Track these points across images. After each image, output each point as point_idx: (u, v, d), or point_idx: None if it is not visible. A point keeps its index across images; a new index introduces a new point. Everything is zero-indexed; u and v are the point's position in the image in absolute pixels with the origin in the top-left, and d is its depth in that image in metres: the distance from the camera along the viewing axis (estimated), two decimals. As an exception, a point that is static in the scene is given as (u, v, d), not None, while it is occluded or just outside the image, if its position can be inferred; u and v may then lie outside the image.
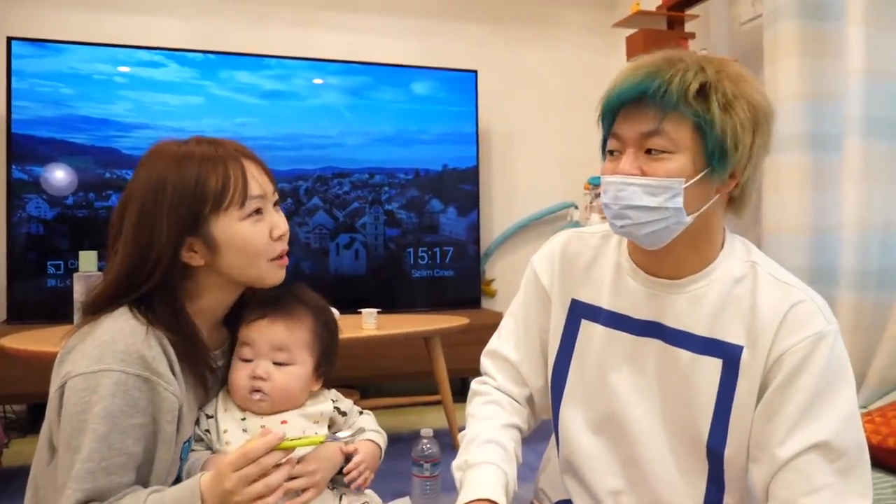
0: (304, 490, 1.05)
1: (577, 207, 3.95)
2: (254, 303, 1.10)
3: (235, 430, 1.05)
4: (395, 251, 3.63)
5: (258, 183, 1.02)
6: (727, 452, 0.94)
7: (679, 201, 0.90)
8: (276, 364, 1.07)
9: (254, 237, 1.00)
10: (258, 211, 1.01)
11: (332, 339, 1.15)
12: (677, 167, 0.90)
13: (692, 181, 0.90)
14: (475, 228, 3.78)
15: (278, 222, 1.04)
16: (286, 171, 3.44)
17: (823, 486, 0.85)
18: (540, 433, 1.19)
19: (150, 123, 3.25)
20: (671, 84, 0.89)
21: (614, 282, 1.04)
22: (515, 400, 1.12)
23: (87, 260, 1.98)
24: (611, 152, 0.97)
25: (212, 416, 1.07)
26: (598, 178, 4.28)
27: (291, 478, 1.04)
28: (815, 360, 0.89)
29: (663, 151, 0.91)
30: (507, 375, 1.13)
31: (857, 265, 2.27)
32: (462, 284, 3.75)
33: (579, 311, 1.07)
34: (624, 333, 1.02)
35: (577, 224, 3.82)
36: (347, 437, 1.09)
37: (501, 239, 3.99)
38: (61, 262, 3.10)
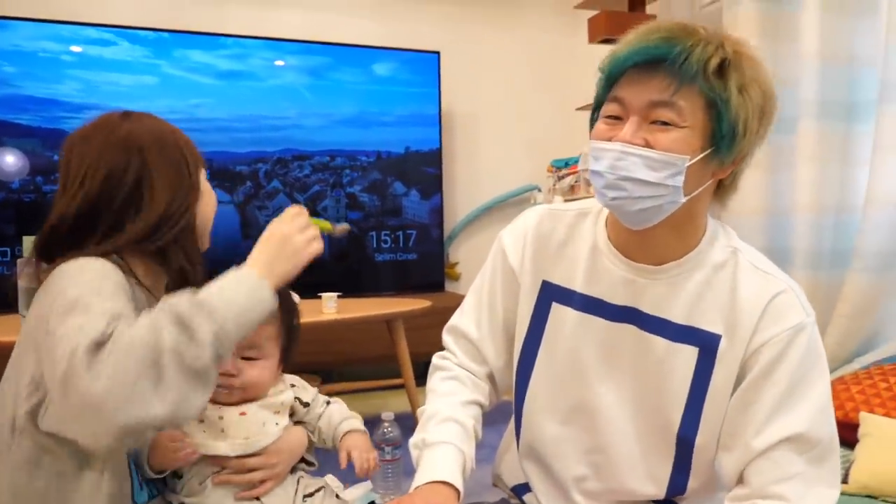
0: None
1: (540, 190, 3.96)
2: None
3: (192, 420, 1.03)
4: (357, 235, 3.59)
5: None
6: (698, 440, 0.93)
7: (679, 180, 0.86)
8: (245, 359, 1.05)
9: (211, 195, 1.10)
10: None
11: (295, 325, 1.14)
12: (682, 143, 0.85)
13: (694, 160, 0.86)
14: (438, 212, 3.76)
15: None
16: (245, 154, 3.36)
17: (795, 475, 0.86)
18: (502, 415, 1.18)
19: (101, 104, 3.14)
20: (691, 54, 0.83)
21: (590, 264, 0.99)
22: (476, 376, 1.09)
23: (33, 245, 1.91)
24: (609, 116, 0.89)
25: None
26: (562, 160, 4.28)
27: (251, 470, 1.03)
28: (793, 352, 0.88)
29: (669, 124, 0.85)
30: (467, 352, 1.10)
31: (811, 245, 2.32)
32: (426, 268, 3.73)
33: (550, 294, 1.02)
34: (598, 318, 0.98)
35: (539, 207, 3.83)
36: None
37: (465, 222, 3.98)
38: (7, 249, 2.99)
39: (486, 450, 1.04)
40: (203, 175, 1.08)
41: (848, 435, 1.66)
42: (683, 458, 0.95)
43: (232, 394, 1.04)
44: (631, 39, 0.87)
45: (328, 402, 1.18)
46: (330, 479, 1.17)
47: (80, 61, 3.12)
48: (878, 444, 1.51)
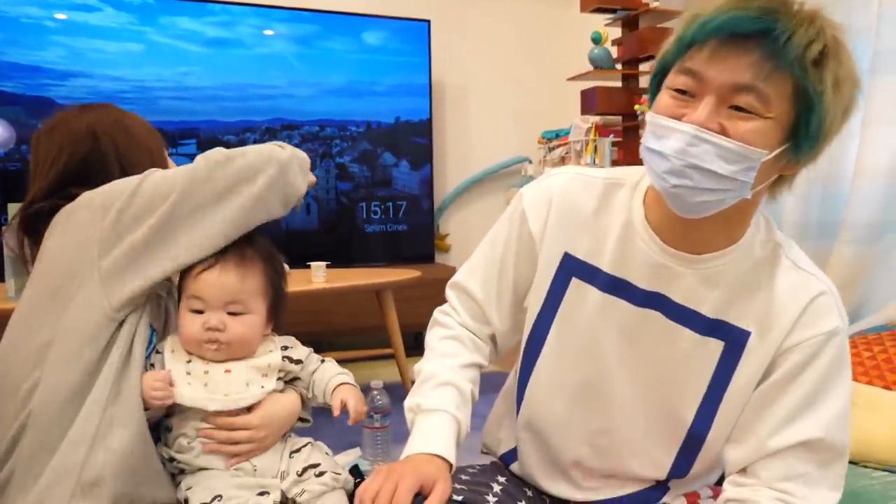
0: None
1: (531, 162, 3.95)
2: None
3: (180, 372, 1.04)
4: (347, 205, 3.58)
5: None
6: (710, 435, 0.91)
7: (752, 175, 0.77)
8: (231, 314, 1.05)
9: None
10: None
11: (282, 284, 1.14)
12: (761, 135, 0.76)
13: (770, 156, 0.77)
14: (428, 183, 3.74)
15: None
16: (233, 123, 3.32)
17: (802, 475, 0.85)
18: (492, 386, 1.17)
19: (86, 71, 3.09)
20: (794, 34, 0.72)
21: (620, 243, 0.91)
22: (477, 336, 1.04)
23: (19, 213, 1.89)
24: (678, 90, 0.79)
25: (160, 353, 1.06)
26: (553, 132, 4.26)
27: (236, 443, 1.04)
28: (823, 358, 0.85)
29: (750, 112, 0.76)
30: (471, 313, 1.04)
31: (798, 216, 2.34)
32: (416, 239, 3.73)
33: (571, 268, 0.95)
34: (623, 301, 0.92)
35: (531, 179, 3.83)
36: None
37: (455, 193, 3.97)
38: (-6, 218, 2.96)
39: (476, 419, 1.01)
40: (166, 153, 1.20)
41: (830, 403, 1.69)
42: (691, 448, 0.94)
43: (220, 350, 1.04)
44: (722, 4, 0.76)
45: (322, 361, 1.18)
46: (320, 446, 1.17)
47: (65, 27, 3.06)
48: (860, 412, 1.53)
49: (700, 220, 0.83)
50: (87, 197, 1.02)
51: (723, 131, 0.76)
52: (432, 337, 1.04)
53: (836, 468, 0.86)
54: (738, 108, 0.76)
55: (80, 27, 3.08)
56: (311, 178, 1.17)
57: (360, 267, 3.18)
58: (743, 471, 0.89)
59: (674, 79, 0.80)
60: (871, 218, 2.11)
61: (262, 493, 1.02)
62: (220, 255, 1.06)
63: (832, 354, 0.85)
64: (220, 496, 1.00)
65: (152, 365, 1.06)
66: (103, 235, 0.99)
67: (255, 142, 3.41)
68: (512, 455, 1.08)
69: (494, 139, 4.00)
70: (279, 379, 1.11)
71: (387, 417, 1.89)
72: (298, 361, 1.13)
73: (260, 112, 3.39)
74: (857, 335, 1.94)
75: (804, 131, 0.77)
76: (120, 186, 1.02)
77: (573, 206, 0.95)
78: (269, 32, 3.41)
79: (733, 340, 0.88)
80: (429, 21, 3.66)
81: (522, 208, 0.99)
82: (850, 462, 1.44)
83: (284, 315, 1.14)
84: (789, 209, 2.36)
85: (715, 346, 0.89)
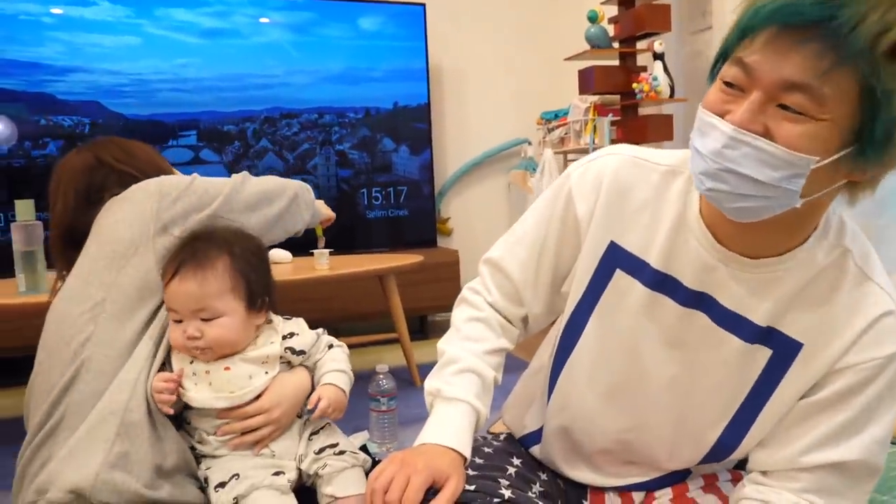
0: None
1: (530, 143, 3.95)
2: (173, 253, 1.10)
3: (186, 372, 1.08)
4: (348, 192, 3.60)
5: None
6: (742, 444, 0.88)
7: (798, 184, 0.68)
8: (204, 320, 1.05)
9: None
10: None
11: (258, 266, 1.12)
12: (813, 140, 0.67)
13: (825, 162, 0.68)
14: (429, 167, 3.76)
15: None
16: (232, 113, 3.34)
17: (828, 488, 0.81)
18: (513, 368, 1.11)
19: (85, 66, 3.10)
20: (864, 21, 0.62)
21: (671, 237, 0.85)
22: (508, 319, 1.00)
23: (25, 209, 1.91)
24: (728, 83, 0.72)
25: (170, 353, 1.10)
26: (551, 112, 4.27)
27: (254, 430, 1.07)
28: (877, 383, 0.79)
29: (800, 113, 0.67)
30: (505, 293, 0.99)
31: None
32: (418, 224, 3.75)
33: (616, 258, 0.89)
34: (668, 300, 0.86)
35: (531, 161, 3.84)
36: None
37: (455, 177, 3.98)
38: (1, 215, 2.99)
39: (496, 399, 0.97)
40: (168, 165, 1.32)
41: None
42: (719, 453, 0.91)
43: (206, 353, 1.06)
44: None
45: (330, 346, 1.18)
46: (336, 428, 1.20)
47: (62, 23, 3.07)
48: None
49: (757, 224, 0.75)
50: (140, 184, 1.17)
51: (766, 133, 0.68)
52: (459, 316, 1.00)
53: (864, 486, 0.82)
54: (787, 108, 0.67)
55: (78, 22, 3.09)
56: (328, 213, 1.49)
57: (362, 253, 3.21)
58: (765, 472, 0.85)
59: (726, 70, 0.72)
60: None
61: (277, 473, 1.06)
62: (179, 263, 1.06)
63: (888, 380, 0.79)
64: (238, 475, 1.03)
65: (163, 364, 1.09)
66: (159, 215, 1.11)
67: (254, 131, 3.44)
68: (533, 438, 1.06)
69: (493, 121, 4.01)
70: (283, 362, 1.14)
71: (393, 401, 1.92)
72: (301, 353, 1.13)
73: (258, 101, 3.40)
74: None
75: (868, 136, 0.66)
76: (173, 180, 1.18)
77: (625, 192, 0.88)
78: (264, 20, 3.41)
79: (782, 350, 0.82)
80: (424, 5, 3.65)
81: (570, 188, 0.92)
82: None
83: (274, 293, 1.15)
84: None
85: (762, 355, 0.83)
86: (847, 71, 0.64)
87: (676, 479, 0.97)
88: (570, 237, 0.93)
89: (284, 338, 1.13)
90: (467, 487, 0.87)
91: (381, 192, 3.67)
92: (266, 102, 3.42)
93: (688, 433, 0.90)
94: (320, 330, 1.20)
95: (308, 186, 1.37)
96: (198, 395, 1.05)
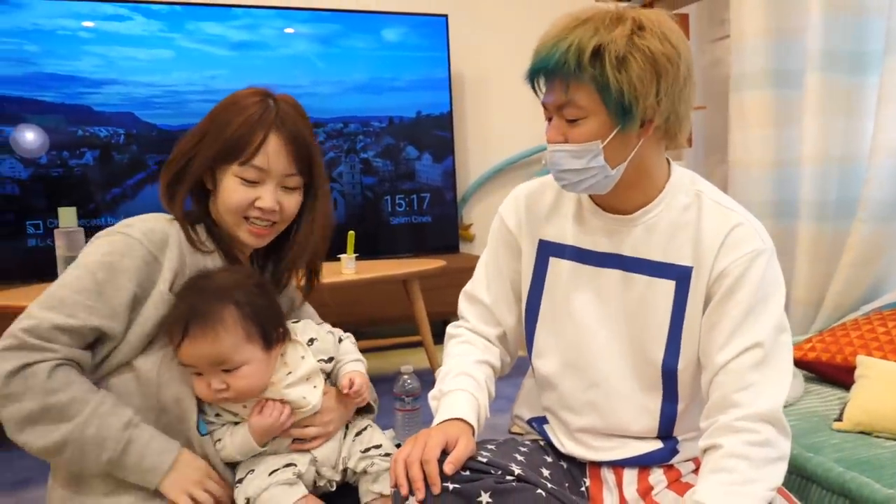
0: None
1: (551, 150, 3.99)
2: (173, 314, 1.03)
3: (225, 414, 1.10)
4: (372, 199, 3.67)
5: (269, 158, 1.08)
6: (680, 366, 1.05)
7: (601, 160, 0.98)
8: (226, 371, 1.02)
9: (232, 193, 1.09)
10: (252, 180, 1.08)
11: (266, 306, 1.08)
12: (593, 130, 0.98)
13: (608, 140, 0.98)
14: (451, 174, 3.82)
15: (265, 196, 1.08)
16: (260, 123, 3.43)
17: (749, 385, 0.96)
18: (517, 370, 1.28)
19: (120, 79, 3.22)
20: (568, 53, 0.94)
21: (577, 220, 1.12)
22: (488, 339, 1.20)
23: (67, 216, 2.01)
24: (547, 118, 1.04)
25: None
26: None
27: (305, 425, 1.11)
28: (752, 275, 0.99)
29: (578, 119, 0.98)
30: (480, 316, 1.21)
31: (816, 196, 2.36)
32: (440, 230, 3.81)
33: (547, 250, 1.15)
34: (587, 266, 1.10)
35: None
36: None
37: (477, 184, 4.03)
38: (40, 222, 3.11)
39: (500, 401, 1.13)
40: (230, 170, 1.11)
41: (846, 378, 1.73)
42: (670, 386, 1.07)
43: (239, 399, 1.05)
44: (537, 47, 1.01)
45: (340, 340, 1.20)
46: (378, 429, 1.24)
47: (98, 37, 3.19)
48: (872, 384, 1.58)
49: (615, 191, 1.03)
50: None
51: (567, 139, 0.99)
52: (448, 347, 1.21)
53: (775, 364, 0.97)
54: (570, 120, 0.99)
55: (113, 36, 3.21)
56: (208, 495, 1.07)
57: (387, 258, 3.27)
58: (706, 417, 0.99)
59: (545, 105, 1.04)
60: (889, 196, 2.13)
61: (288, 465, 1.09)
62: (185, 324, 1.01)
63: (761, 272, 0.99)
64: (253, 470, 1.08)
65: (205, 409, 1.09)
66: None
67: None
68: (541, 420, 1.21)
69: (514, 129, 4.06)
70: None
71: (417, 400, 1.98)
72: (330, 359, 1.15)
73: (286, 111, 3.49)
74: (874, 311, 1.97)
75: (612, 111, 0.96)
76: None
77: (537, 202, 1.17)
78: (290, 31, 3.50)
79: (680, 277, 1.04)
80: (446, 16, 3.72)
81: (501, 217, 1.20)
82: (863, 433, 1.50)
83: (283, 317, 1.12)
84: (807, 190, 2.38)
85: (668, 286, 1.05)
86: (578, 82, 0.95)
87: (665, 456, 1.10)
88: (513, 249, 1.19)
89: (308, 343, 1.14)
90: (480, 458, 1.00)
91: (404, 199, 3.73)
92: (293, 112, 3.50)
93: (639, 375, 1.08)
94: (326, 325, 1.21)
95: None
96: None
